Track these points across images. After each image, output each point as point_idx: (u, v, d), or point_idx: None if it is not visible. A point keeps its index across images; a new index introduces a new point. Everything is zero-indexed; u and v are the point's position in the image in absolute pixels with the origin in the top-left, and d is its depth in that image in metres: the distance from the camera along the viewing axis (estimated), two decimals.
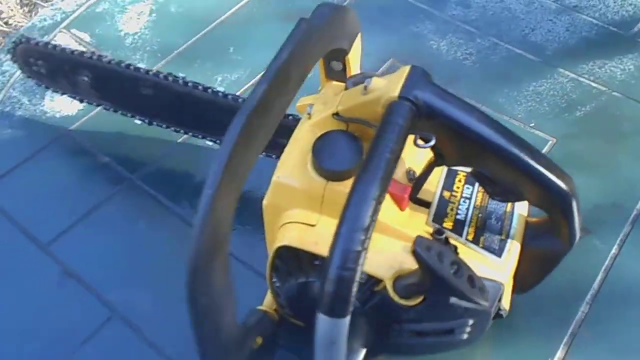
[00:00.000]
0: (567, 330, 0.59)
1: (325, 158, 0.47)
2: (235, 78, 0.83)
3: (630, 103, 0.78)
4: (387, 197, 0.47)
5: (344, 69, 0.55)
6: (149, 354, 0.59)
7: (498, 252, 0.49)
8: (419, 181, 0.51)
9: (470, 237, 0.50)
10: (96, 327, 0.61)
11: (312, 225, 0.48)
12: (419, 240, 0.43)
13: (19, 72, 0.81)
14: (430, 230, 0.48)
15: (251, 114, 0.42)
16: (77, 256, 0.66)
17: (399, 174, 0.49)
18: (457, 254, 0.47)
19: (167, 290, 0.63)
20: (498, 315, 0.52)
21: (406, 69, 0.46)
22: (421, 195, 0.51)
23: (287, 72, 0.45)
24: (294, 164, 0.49)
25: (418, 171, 0.51)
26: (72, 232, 0.68)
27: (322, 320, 0.40)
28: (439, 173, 0.54)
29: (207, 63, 0.85)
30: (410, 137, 0.45)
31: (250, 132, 0.42)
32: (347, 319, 0.40)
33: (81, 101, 0.75)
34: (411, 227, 0.48)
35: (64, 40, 0.88)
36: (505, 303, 0.52)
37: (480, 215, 0.51)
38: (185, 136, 0.77)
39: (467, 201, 0.52)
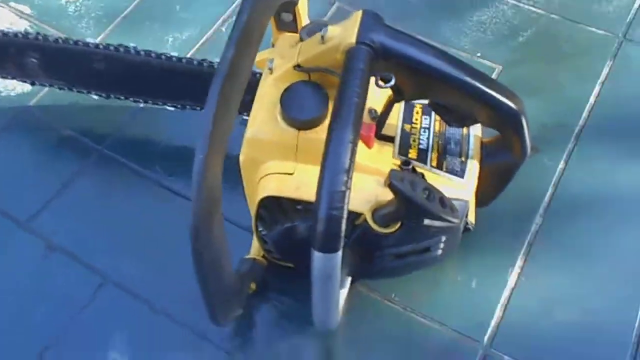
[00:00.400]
0: (524, 242, 0.65)
1: (294, 109, 0.50)
2: (186, 37, 0.83)
3: (568, 24, 0.83)
4: None
5: (294, 20, 0.58)
6: (146, 312, 0.62)
7: (460, 174, 0.54)
8: (381, 119, 0.54)
9: (434, 164, 0.54)
10: (91, 294, 0.63)
11: (290, 174, 0.51)
12: (392, 173, 0.47)
13: None
14: (398, 162, 0.53)
15: (225, 78, 0.44)
16: (58, 230, 0.67)
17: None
18: (425, 180, 0.51)
19: (152, 250, 0.66)
20: (466, 229, 0.58)
21: (359, 14, 0.48)
22: (385, 131, 0.55)
23: (250, 31, 0.46)
24: (264, 119, 0.51)
25: (379, 109, 0.54)
26: (50, 207, 0.69)
27: (318, 257, 0.44)
28: (398, 109, 0.57)
29: (155, 24, 0.84)
30: (372, 79, 0.48)
31: (227, 94, 0.44)
32: (340, 253, 0.44)
33: (32, 84, 0.74)
34: (380, 162, 0.52)
35: (3, 15, 0.85)
36: (472, 217, 0.58)
37: (440, 142, 0.55)
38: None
39: (427, 131, 0.56)
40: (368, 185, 0.50)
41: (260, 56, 0.56)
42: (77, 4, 0.87)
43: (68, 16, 0.85)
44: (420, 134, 0.56)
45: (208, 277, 0.47)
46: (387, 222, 0.50)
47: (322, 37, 0.49)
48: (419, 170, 0.53)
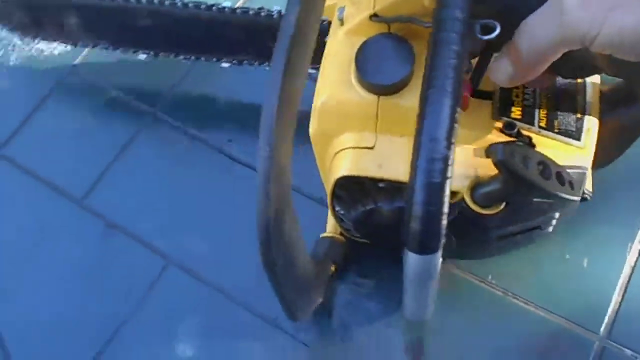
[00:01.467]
0: None
1: (373, 70, 0.41)
2: None
3: None
4: None
5: None
6: (214, 297, 0.57)
7: (576, 135, 0.44)
8: (476, 72, 0.44)
9: (543, 124, 0.44)
10: (154, 277, 0.59)
11: (370, 148, 0.43)
12: (500, 147, 0.38)
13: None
14: (500, 125, 0.43)
15: (292, 42, 0.35)
16: (116, 206, 0.63)
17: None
18: (534, 146, 0.43)
19: (216, 227, 0.61)
20: (583, 199, 0.48)
21: None
22: (481, 86, 0.45)
23: None
24: (336, 83, 0.43)
25: (473, 61, 0.44)
26: (105, 181, 0.64)
27: (413, 259, 0.37)
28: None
29: None
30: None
31: (295, 58, 0.36)
32: (440, 252, 0.37)
33: (75, 45, 0.67)
34: (479, 127, 0.43)
35: None
36: (589, 185, 0.48)
37: (549, 95, 0.45)
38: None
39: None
40: (465, 156, 0.42)
41: (330, 1, 0.46)
42: None
43: None
44: (524, 87, 0.46)
45: (283, 283, 0.41)
46: (490, 202, 0.42)
47: None
48: (525, 133, 0.43)
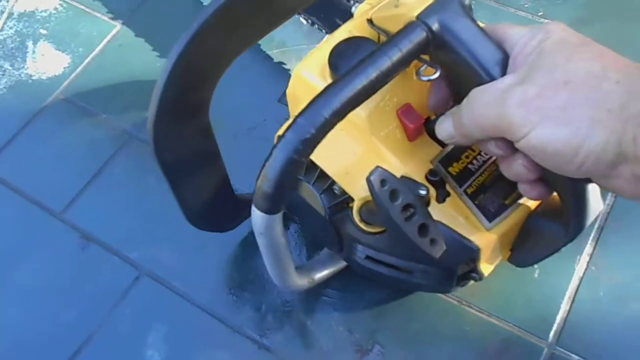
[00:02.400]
0: (593, 225, 0.58)
1: (340, 62, 0.45)
2: None
3: None
4: (397, 123, 0.45)
5: None
6: (183, 305, 0.59)
7: (490, 216, 0.45)
8: (441, 115, 0.45)
9: (469, 191, 0.46)
10: (127, 287, 0.61)
11: None
12: (377, 170, 0.40)
13: None
14: (430, 168, 0.46)
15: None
16: (93, 220, 0.65)
17: (424, 103, 0.45)
18: (442, 201, 0.45)
19: (188, 239, 0.63)
20: (470, 277, 0.49)
21: None
22: None
23: None
24: (317, 60, 0.48)
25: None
26: (84, 196, 0.67)
27: (257, 216, 0.41)
28: None
29: None
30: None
31: (234, 12, 0.41)
32: (279, 215, 0.41)
33: None
34: (409, 159, 0.46)
35: None
36: (484, 269, 0.48)
37: (494, 173, 0.46)
38: None
39: (487, 155, 0.47)
40: None
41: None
42: None
43: None
44: (477, 154, 0.46)
45: (174, 180, 0.48)
46: (369, 220, 0.46)
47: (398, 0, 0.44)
48: (448, 188, 0.45)
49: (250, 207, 0.56)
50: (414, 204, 0.40)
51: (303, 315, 0.58)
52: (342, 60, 0.45)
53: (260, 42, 0.75)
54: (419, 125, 0.45)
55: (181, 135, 0.46)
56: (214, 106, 0.71)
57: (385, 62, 0.38)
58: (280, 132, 0.50)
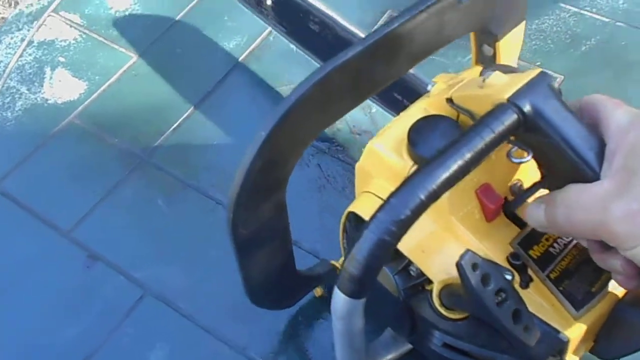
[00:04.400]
0: None
1: (419, 140, 0.44)
2: (233, 45, 0.82)
3: (635, 32, 0.78)
4: (476, 203, 0.44)
5: (494, 56, 0.51)
6: (187, 326, 0.60)
7: (577, 304, 0.43)
8: (520, 197, 0.44)
9: (553, 276, 0.43)
10: (131, 306, 0.61)
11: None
12: (467, 254, 0.38)
13: (14, 61, 0.80)
14: (510, 251, 0.44)
15: (337, 69, 0.40)
16: (100, 240, 0.66)
17: (503, 183, 0.45)
18: (526, 286, 0.43)
19: (195, 262, 0.64)
20: None
21: (534, 73, 0.40)
22: (519, 212, 0.46)
23: (399, 39, 0.42)
24: (392, 136, 0.46)
25: (526, 186, 0.45)
26: (92, 216, 0.68)
27: (340, 299, 0.38)
28: None
29: (203, 32, 0.83)
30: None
31: (329, 87, 0.40)
32: (363, 301, 0.38)
33: (266, 22, 0.76)
34: (489, 242, 0.44)
35: (54, 24, 0.86)
36: None
37: (577, 257, 0.44)
38: (191, 110, 0.76)
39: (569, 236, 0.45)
40: (456, 256, 0.41)
41: (439, 78, 0.51)
42: (126, 13, 0.87)
43: (117, 25, 0.85)
44: (559, 237, 0.44)
45: (243, 256, 0.46)
46: (452, 305, 0.43)
47: (483, 80, 0.42)
48: (530, 273, 0.43)
49: (310, 284, 0.56)
50: (506, 289, 0.38)
51: (307, 341, 0.58)
52: (421, 137, 0.44)
53: (268, 78, 0.79)
54: (499, 206, 0.44)
55: (258, 211, 0.45)
56: (227, 130, 0.74)
57: (479, 144, 0.37)
58: (350, 209, 0.47)
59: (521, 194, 0.44)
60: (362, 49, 0.41)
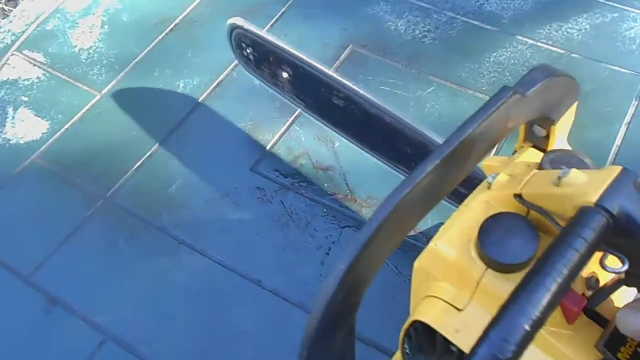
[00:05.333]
0: None
1: (493, 243, 0.41)
2: (197, 82, 0.82)
3: (589, 63, 0.80)
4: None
5: (547, 137, 0.49)
6: None
7: None
8: (599, 293, 0.42)
9: None
10: (91, 352, 0.60)
11: (458, 309, 0.42)
12: None
13: None
14: (598, 357, 0.41)
15: (417, 186, 0.39)
16: (60, 283, 0.66)
17: (578, 279, 0.42)
18: None
19: (156, 304, 0.64)
20: None
21: (615, 170, 0.38)
22: (600, 309, 0.43)
23: (471, 143, 0.41)
24: (456, 236, 0.43)
25: (602, 280, 0.43)
26: (53, 260, 0.67)
27: None
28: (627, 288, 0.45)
29: (167, 70, 0.84)
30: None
31: (406, 207, 0.39)
32: None
33: (283, 96, 0.74)
34: (575, 347, 0.41)
35: (17, 62, 0.86)
36: None
37: None
38: (155, 148, 0.76)
39: None
40: None
41: (490, 161, 0.49)
42: (90, 51, 0.87)
43: (81, 63, 0.85)
44: None
45: None
46: None
47: (559, 178, 0.40)
48: None
49: None
50: None
51: None
52: (492, 236, 0.41)
53: (231, 115, 0.79)
54: (581, 308, 0.41)
55: (333, 338, 0.42)
56: (189, 169, 0.74)
57: (574, 256, 0.34)
58: (416, 317, 0.44)
59: (599, 290, 0.41)
60: (438, 163, 0.39)
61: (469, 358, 0.32)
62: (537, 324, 0.32)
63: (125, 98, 0.82)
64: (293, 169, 0.73)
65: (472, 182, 0.47)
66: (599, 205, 0.35)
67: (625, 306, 0.39)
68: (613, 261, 0.37)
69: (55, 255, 0.68)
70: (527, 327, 0.31)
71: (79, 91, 0.82)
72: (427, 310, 0.44)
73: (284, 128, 0.77)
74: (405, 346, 0.49)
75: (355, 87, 0.64)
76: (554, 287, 0.32)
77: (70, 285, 0.65)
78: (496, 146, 0.44)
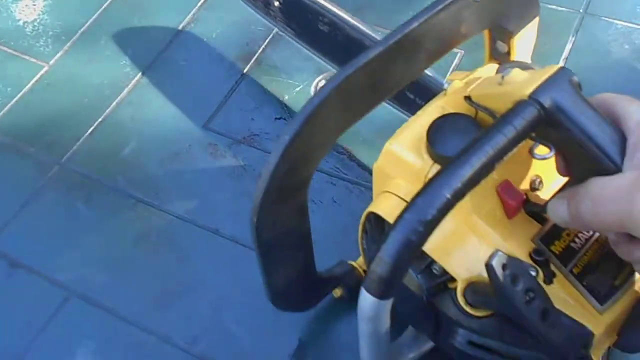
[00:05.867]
0: None
1: (438, 139, 0.44)
2: (144, 47, 0.83)
3: None
4: (496, 200, 0.44)
5: (509, 53, 0.51)
6: (111, 322, 0.61)
7: (601, 299, 0.43)
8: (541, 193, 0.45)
9: (575, 271, 0.43)
10: (55, 309, 0.62)
11: (406, 201, 0.44)
12: (497, 255, 0.38)
13: None
14: (532, 247, 0.44)
15: (362, 68, 0.41)
16: (20, 248, 0.66)
17: (522, 179, 0.45)
18: (550, 282, 0.43)
19: (116, 260, 0.65)
20: None
21: (554, 69, 0.40)
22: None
23: (418, 39, 0.42)
24: (410, 136, 0.46)
25: (546, 182, 0.46)
26: (11, 226, 0.68)
27: (366, 300, 0.38)
28: None
29: (113, 37, 0.84)
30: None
31: (349, 89, 0.41)
32: (390, 301, 0.38)
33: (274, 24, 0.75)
34: (512, 239, 0.44)
35: None
36: (594, 355, 0.44)
37: (599, 251, 0.44)
38: (106, 113, 0.77)
39: (591, 231, 0.44)
40: (479, 255, 0.41)
41: (454, 76, 0.51)
42: (35, 24, 0.87)
43: (26, 36, 0.85)
44: (579, 232, 0.44)
45: (267, 260, 0.45)
46: (476, 304, 0.43)
47: (502, 77, 0.42)
48: (553, 268, 0.43)
49: (329, 286, 0.55)
50: (534, 288, 0.38)
51: (232, 321, 0.60)
52: (441, 135, 0.44)
53: (184, 76, 0.80)
54: (519, 203, 0.43)
55: (281, 214, 0.45)
56: (142, 131, 0.75)
57: (502, 141, 0.36)
58: (370, 209, 0.47)
59: (544, 189, 0.44)
60: (382, 50, 0.41)
61: (397, 221, 0.35)
62: (458, 194, 0.35)
63: (73, 68, 0.82)
64: (245, 124, 0.75)
65: (434, 95, 0.50)
66: (532, 98, 0.38)
67: (554, 195, 0.41)
68: (543, 150, 0.40)
69: (13, 221, 0.69)
70: (448, 196, 0.35)
71: (26, 64, 0.82)
72: (380, 203, 0.47)
73: (234, 84, 0.78)
74: (363, 241, 0.52)
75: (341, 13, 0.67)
76: (477, 165, 0.35)
77: (31, 249, 0.66)
78: (452, 50, 0.46)
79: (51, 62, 0.82)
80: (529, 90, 0.38)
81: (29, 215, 0.69)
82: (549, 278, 0.43)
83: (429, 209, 0.35)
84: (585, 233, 0.44)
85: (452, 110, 0.45)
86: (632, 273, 0.44)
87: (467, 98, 0.45)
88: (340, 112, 0.42)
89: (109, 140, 0.75)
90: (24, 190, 0.71)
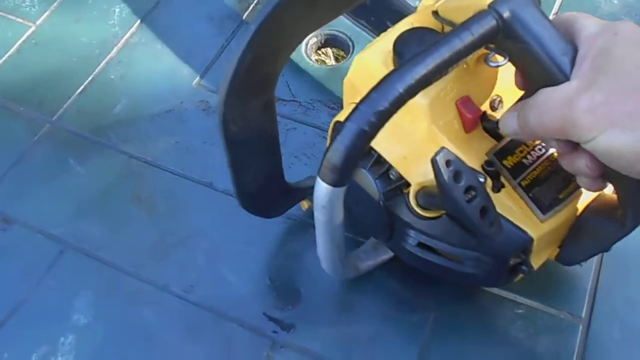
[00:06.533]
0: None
1: (404, 51, 0.46)
2: (134, 4, 0.82)
3: None
4: (455, 113, 0.46)
5: None
6: (108, 272, 0.61)
7: (544, 209, 0.46)
8: (499, 111, 0.47)
9: (524, 184, 0.46)
10: (51, 261, 0.62)
11: None
12: (442, 151, 0.39)
13: None
14: (486, 160, 0.46)
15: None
16: (14, 204, 0.67)
17: (483, 98, 0.47)
18: (497, 191, 0.45)
19: (110, 212, 0.66)
20: (520, 269, 0.49)
21: None
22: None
23: None
24: (379, 49, 0.48)
25: (506, 103, 0.48)
26: (3, 183, 0.68)
27: (321, 189, 0.40)
28: None
29: None
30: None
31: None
32: (342, 190, 0.40)
33: None
34: (466, 150, 0.46)
35: None
36: (534, 261, 0.48)
37: (549, 167, 0.47)
38: (97, 71, 0.77)
39: (543, 150, 0.47)
40: None
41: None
42: None
43: None
44: (533, 149, 0.47)
45: (235, 157, 0.47)
46: (426, 205, 0.46)
47: None
48: (503, 180, 0.46)
49: (297, 196, 0.57)
50: (476, 187, 0.40)
51: (227, 270, 0.61)
52: (406, 47, 0.46)
53: (174, 32, 0.80)
54: (476, 117, 0.46)
55: (248, 109, 0.45)
56: (133, 89, 0.75)
57: (457, 44, 0.38)
58: (337, 118, 0.49)
59: (503, 107, 0.46)
60: None
61: (352, 112, 0.37)
62: (411, 90, 0.37)
63: (61, 27, 0.81)
64: None
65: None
66: (491, 8, 0.39)
67: (507, 109, 0.43)
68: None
69: (5, 178, 0.69)
70: (401, 90, 0.37)
71: (13, 24, 0.82)
72: (346, 113, 0.47)
73: (224, 42, 0.78)
74: None
75: None
76: (432, 65, 0.37)
77: (24, 205, 0.67)
78: None
79: (38, 22, 0.82)
80: (488, 1, 0.40)
81: (21, 172, 0.69)
82: (498, 187, 0.45)
83: (382, 101, 0.37)
84: (538, 151, 0.47)
85: (420, 26, 0.47)
86: (576, 188, 0.47)
87: (435, 13, 0.47)
88: (304, 12, 0.43)
89: (100, 98, 0.75)
90: (15, 149, 0.71)
